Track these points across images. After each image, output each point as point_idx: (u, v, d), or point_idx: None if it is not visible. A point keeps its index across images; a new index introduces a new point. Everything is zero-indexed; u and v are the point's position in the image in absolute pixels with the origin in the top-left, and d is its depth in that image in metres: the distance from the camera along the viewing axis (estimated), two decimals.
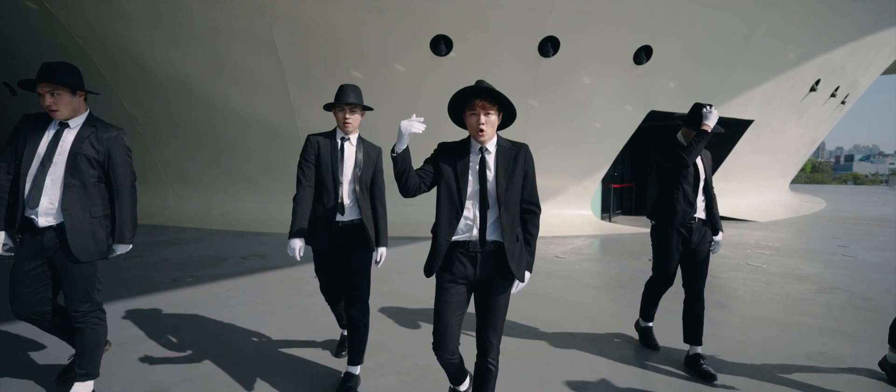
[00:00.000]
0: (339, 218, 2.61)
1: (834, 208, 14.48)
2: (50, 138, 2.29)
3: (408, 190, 1.94)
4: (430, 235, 2.03)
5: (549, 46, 7.45)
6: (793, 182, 21.50)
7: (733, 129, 10.19)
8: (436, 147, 2.06)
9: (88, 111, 2.41)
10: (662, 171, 3.03)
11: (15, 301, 2.29)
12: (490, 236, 1.96)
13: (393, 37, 7.29)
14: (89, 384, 2.39)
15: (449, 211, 1.96)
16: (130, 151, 2.47)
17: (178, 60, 8.02)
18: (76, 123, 2.33)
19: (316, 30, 7.29)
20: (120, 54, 8.27)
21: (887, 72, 23.27)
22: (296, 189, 2.63)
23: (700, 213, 2.99)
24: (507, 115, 2.00)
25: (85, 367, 2.36)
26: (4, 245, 2.28)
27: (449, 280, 1.97)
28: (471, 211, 1.96)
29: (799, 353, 3.13)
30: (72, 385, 2.37)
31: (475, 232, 1.96)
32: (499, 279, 1.98)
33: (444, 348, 1.99)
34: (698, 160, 2.99)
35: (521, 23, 7.25)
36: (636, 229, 9.09)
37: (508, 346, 3.07)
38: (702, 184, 2.99)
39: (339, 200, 2.60)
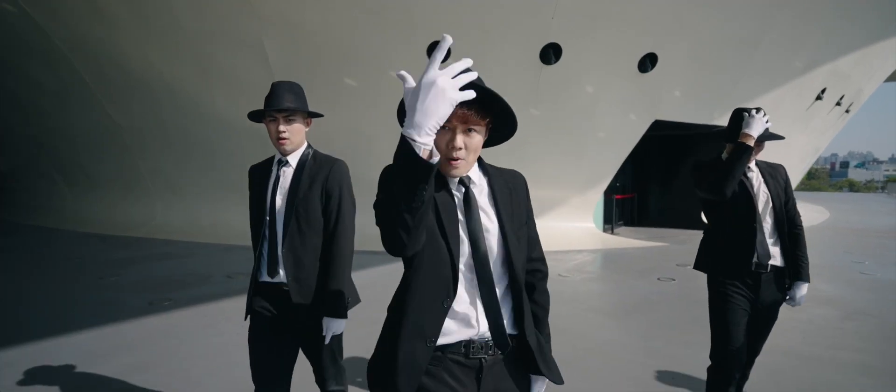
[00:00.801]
0: (266, 276, 1.83)
1: (837, 218, 14.23)
2: None
3: (411, 244, 1.02)
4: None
5: (550, 53, 7.16)
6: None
7: None
8: (384, 176, 1.07)
9: None
10: (706, 204, 2.30)
11: None
12: (508, 329, 1.20)
13: (388, 42, 6.98)
14: None
15: (436, 289, 1.13)
16: None
17: (163, 65, 7.68)
18: None
19: (307, 34, 6.98)
20: (103, 59, 7.93)
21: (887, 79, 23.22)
22: None
23: (775, 259, 2.16)
24: (499, 125, 1.18)
25: None
26: None
27: None
28: (464, 289, 1.15)
29: None
30: None
31: (483, 326, 1.16)
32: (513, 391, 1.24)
33: None
34: (759, 183, 2.22)
35: (522, 28, 6.96)
36: (640, 243, 8.78)
37: None
38: (770, 217, 2.19)
39: (272, 251, 1.81)
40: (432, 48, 6.95)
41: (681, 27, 7.47)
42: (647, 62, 7.63)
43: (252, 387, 2.20)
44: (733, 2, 7.44)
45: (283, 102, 1.78)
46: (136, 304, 4.51)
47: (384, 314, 1.23)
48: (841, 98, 11.36)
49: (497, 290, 1.17)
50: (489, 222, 1.19)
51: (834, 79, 10.29)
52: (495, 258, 1.18)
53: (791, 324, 4.16)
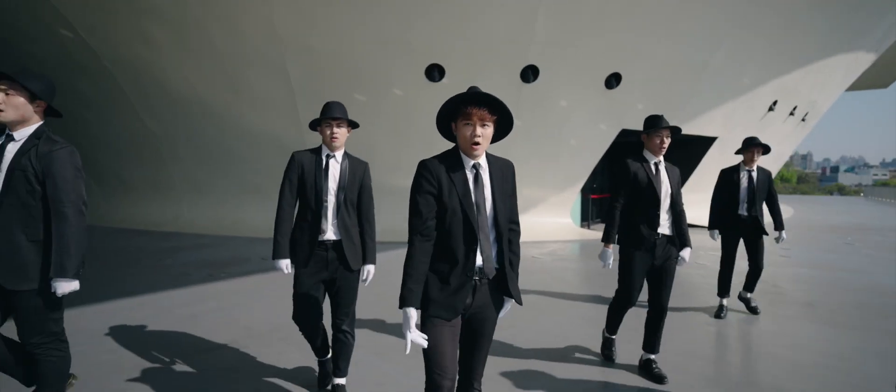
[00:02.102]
0: (323, 237, 2.54)
1: (801, 217, 15.58)
2: None
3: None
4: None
5: (529, 73, 8.48)
6: (779, 194, 22.78)
7: (698, 145, 11.25)
8: (420, 169, 1.78)
9: (39, 124, 2.13)
10: (619, 190, 3.09)
11: None
12: (494, 264, 1.82)
13: (392, 65, 8.27)
14: None
15: (465, 243, 1.73)
16: (80, 171, 2.13)
17: (199, 83, 8.94)
18: (22, 135, 2.07)
19: (324, 58, 8.26)
20: (144, 76, 9.18)
21: (876, 86, 24.61)
22: (277, 209, 2.57)
23: (665, 230, 3.00)
24: (502, 126, 1.81)
25: None
26: None
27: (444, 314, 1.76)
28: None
29: (701, 321, 4.11)
30: None
31: (478, 261, 1.77)
32: (490, 307, 1.84)
33: (444, 375, 1.72)
34: (664, 177, 3.01)
35: (505, 53, 8.26)
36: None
37: None
38: (667, 201, 2.99)
39: (323, 219, 2.54)
40: (429, 70, 8.26)
41: (640, 52, 8.80)
42: (613, 80, 8.96)
43: (292, 327, 3.29)
44: (682, 30, 8.78)
45: (335, 112, 2.56)
46: (198, 276, 5.75)
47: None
48: (794, 109, 12.72)
49: (489, 239, 1.78)
50: (488, 194, 1.79)
51: (783, 92, 11.64)
52: (488, 219, 1.78)
53: (700, 285, 5.46)
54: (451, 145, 1.84)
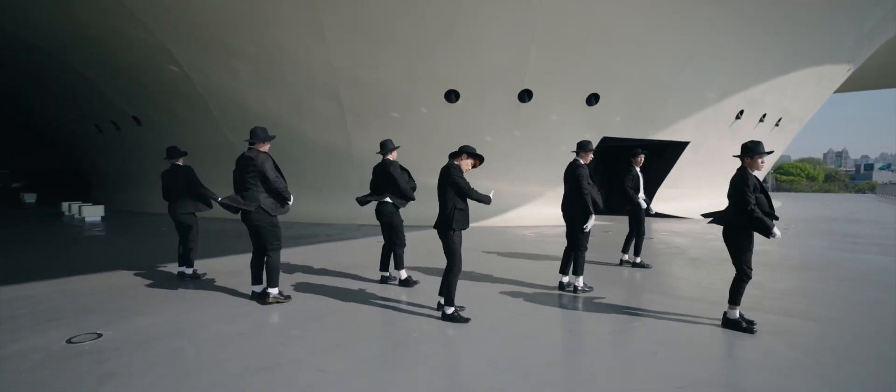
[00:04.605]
0: (384, 199, 5.46)
1: (783, 211, 17.35)
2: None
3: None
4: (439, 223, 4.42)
5: (525, 95, 10.85)
6: (801, 192, 24.19)
7: (673, 149, 13.38)
8: (460, 172, 4.23)
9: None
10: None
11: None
12: None
13: (420, 90, 10.77)
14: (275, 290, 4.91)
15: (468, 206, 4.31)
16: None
17: (271, 104, 11.63)
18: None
19: (367, 85, 10.82)
20: (229, 100, 11.93)
21: (889, 86, 25.71)
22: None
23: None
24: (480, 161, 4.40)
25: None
26: None
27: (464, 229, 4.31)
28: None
29: (637, 286, 6.47)
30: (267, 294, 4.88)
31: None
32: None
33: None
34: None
35: (505, 80, 10.66)
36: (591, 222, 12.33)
37: (485, 268, 6.43)
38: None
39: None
40: (448, 94, 10.73)
41: (616, 74, 11.06)
42: (593, 99, 11.25)
43: (365, 261, 5.89)
44: (649, 56, 11.00)
45: (391, 143, 5.54)
46: (289, 243, 8.35)
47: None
48: (763, 116, 14.68)
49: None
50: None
51: (749, 103, 13.66)
52: None
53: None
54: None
